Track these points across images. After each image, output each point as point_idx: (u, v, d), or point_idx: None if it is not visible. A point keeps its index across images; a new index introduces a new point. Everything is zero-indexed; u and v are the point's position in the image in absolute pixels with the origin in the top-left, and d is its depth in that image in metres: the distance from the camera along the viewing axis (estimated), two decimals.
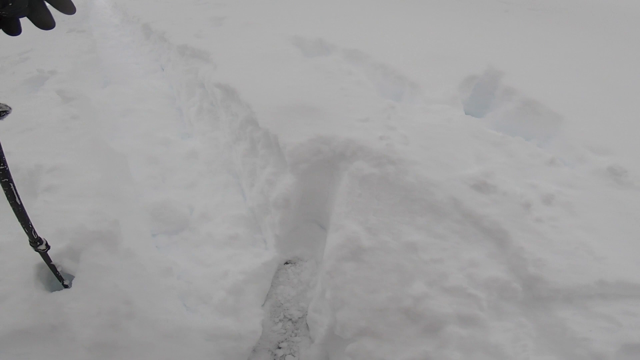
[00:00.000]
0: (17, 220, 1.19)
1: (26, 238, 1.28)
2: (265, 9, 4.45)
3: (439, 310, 1.45)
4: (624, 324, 1.38)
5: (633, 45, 3.53)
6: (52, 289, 1.62)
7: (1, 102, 0.86)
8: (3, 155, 0.98)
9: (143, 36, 5.34)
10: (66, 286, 1.60)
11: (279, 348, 1.90)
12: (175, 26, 4.31)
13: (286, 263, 2.21)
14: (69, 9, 0.76)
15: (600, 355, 1.31)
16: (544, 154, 1.87)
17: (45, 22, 0.75)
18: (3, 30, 0.74)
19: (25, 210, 1.19)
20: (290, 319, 2.00)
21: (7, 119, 0.89)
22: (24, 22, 0.76)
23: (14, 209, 1.14)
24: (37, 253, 1.37)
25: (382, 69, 2.67)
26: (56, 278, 1.57)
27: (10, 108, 0.87)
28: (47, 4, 0.75)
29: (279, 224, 2.04)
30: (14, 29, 0.75)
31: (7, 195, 1.09)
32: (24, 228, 1.23)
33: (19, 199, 1.13)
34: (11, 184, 1.06)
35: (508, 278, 1.49)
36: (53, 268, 1.50)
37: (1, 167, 1.00)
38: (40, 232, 1.30)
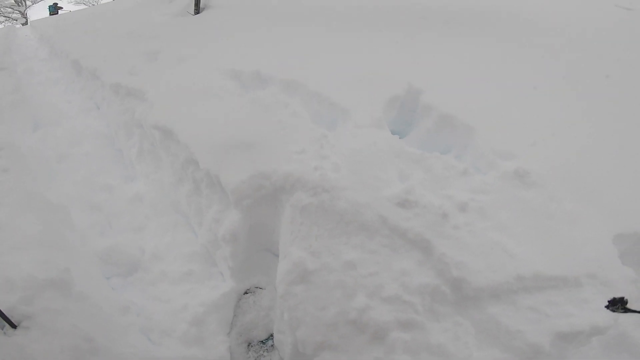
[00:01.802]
0: None
1: None
2: (200, 40, 4.41)
3: (381, 318, 1.58)
4: (550, 313, 1.49)
5: (540, 53, 3.90)
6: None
7: None
8: None
9: (74, 72, 5.09)
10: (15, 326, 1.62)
11: None
12: (107, 63, 4.19)
13: (246, 292, 2.30)
14: None
15: (536, 346, 1.42)
16: (458, 165, 2.06)
17: None
18: None
19: None
20: (258, 343, 2.09)
21: None
22: None
23: None
24: None
25: (317, 97, 2.75)
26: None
27: None
28: None
29: (230, 257, 2.13)
30: None
31: None
32: None
33: None
34: None
35: (437, 282, 1.63)
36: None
37: None
38: None
